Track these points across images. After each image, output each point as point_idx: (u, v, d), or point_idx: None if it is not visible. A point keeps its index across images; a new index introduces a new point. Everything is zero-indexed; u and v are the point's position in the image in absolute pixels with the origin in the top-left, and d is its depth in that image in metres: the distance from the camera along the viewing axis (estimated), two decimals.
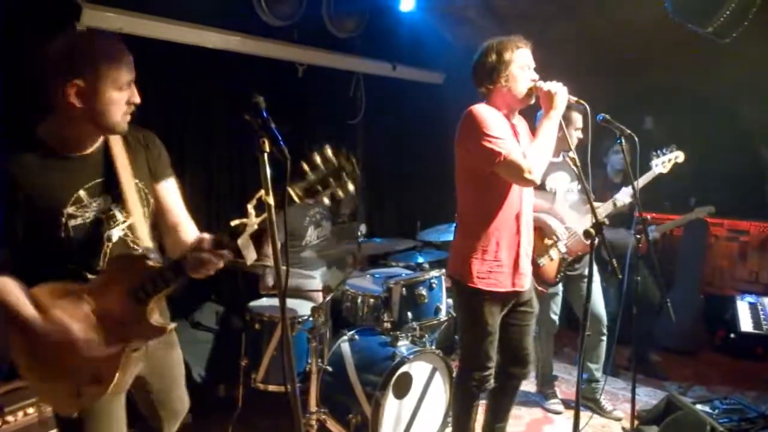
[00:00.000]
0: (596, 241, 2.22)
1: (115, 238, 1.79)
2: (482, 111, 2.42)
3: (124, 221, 1.81)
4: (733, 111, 5.12)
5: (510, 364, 2.74)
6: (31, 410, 2.55)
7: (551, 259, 3.25)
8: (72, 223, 1.70)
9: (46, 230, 1.69)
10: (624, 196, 3.36)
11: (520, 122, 2.65)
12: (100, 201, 1.76)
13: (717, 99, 5.11)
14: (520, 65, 2.44)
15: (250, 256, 1.88)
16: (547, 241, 3.22)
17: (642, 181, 3.38)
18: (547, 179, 3.39)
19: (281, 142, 1.51)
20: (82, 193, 1.72)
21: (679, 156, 3.44)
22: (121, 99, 1.69)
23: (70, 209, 1.70)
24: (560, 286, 3.59)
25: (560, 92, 2.38)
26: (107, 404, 1.81)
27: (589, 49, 4.63)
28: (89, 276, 1.75)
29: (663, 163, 3.41)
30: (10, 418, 2.49)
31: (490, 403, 2.88)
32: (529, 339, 2.75)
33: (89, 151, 1.76)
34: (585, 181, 2.33)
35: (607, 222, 3.38)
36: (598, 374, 3.67)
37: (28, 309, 1.64)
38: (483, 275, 2.50)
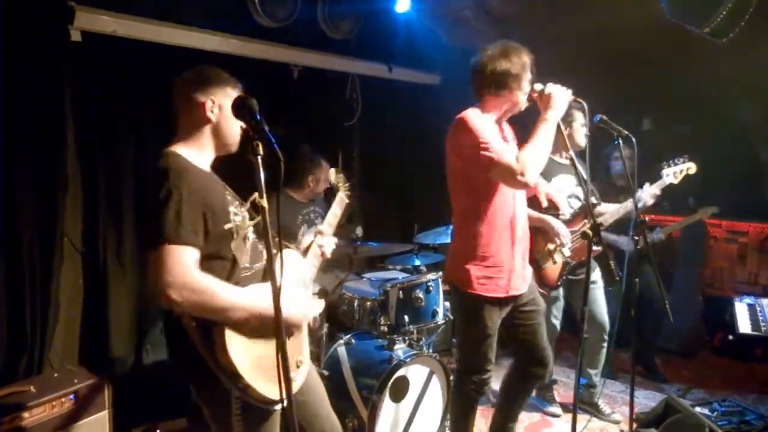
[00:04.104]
0: (596, 244, 2.21)
1: None
2: (473, 118, 2.42)
3: None
4: (732, 111, 5.11)
5: (529, 365, 2.73)
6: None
7: (554, 263, 3.22)
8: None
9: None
10: (631, 203, 3.32)
11: (508, 127, 2.66)
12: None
13: (716, 99, 5.11)
14: (528, 78, 2.45)
15: (244, 258, 1.86)
16: (550, 246, 3.19)
17: (657, 190, 3.42)
18: (552, 181, 3.35)
19: (275, 145, 1.50)
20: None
21: (691, 168, 3.45)
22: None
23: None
24: (561, 291, 3.57)
25: (558, 94, 2.37)
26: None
27: (585, 50, 4.62)
28: None
29: (675, 173, 3.42)
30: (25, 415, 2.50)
31: (504, 403, 2.86)
32: (543, 337, 2.72)
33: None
34: (585, 183, 2.32)
35: (604, 224, 3.41)
36: (597, 379, 3.65)
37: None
38: (482, 281, 2.50)
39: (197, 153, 1.86)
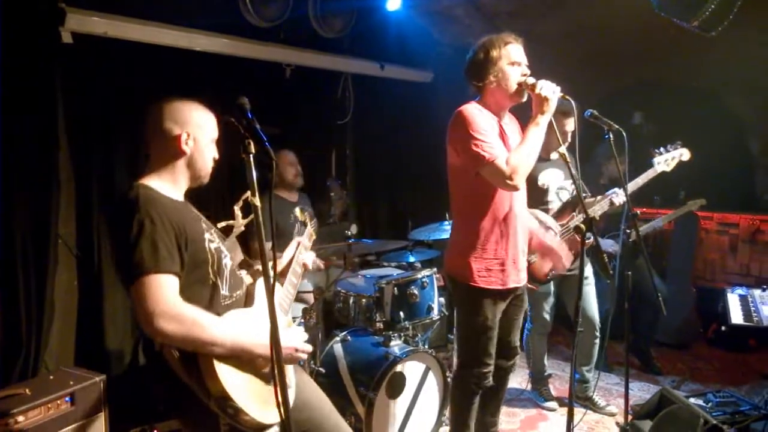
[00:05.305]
0: (588, 238, 2.21)
1: None
2: (471, 112, 2.43)
3: None
4: (722, 104, 5.15)
5: (496, 357, 2.74)
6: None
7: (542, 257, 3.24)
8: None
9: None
10: (621, 196, 3.23)
11: (511, 122, 2.65)
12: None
13: (706, 92, 5.14)
14: (510, 61, 2.44)
15: (237, 257, 1.87)
16: None
17: (641, 180, 3.28)
18: (539, 175, 3.37)
19: (267, 143, 1.50)
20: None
21: (684, 154, 3.30)
22: (211, 150, 1.87)
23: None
24: (552, 286, 3.58)
25: (552, 98, 2.36)
26: None
27: (576, 45, 4.65)
28: None
29: (666, 161, 3.27)
30: (21, 417, 2.48)
31: (481, 398, 2.87)
32: (516, 333, 2.77)
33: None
34: (576, 180, 2.33)
35: (597, 218, 3.42)
36: (589, 375, 3.66)
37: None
38: (483, 273, 2.52)
39: (170, 185, 1.80)
